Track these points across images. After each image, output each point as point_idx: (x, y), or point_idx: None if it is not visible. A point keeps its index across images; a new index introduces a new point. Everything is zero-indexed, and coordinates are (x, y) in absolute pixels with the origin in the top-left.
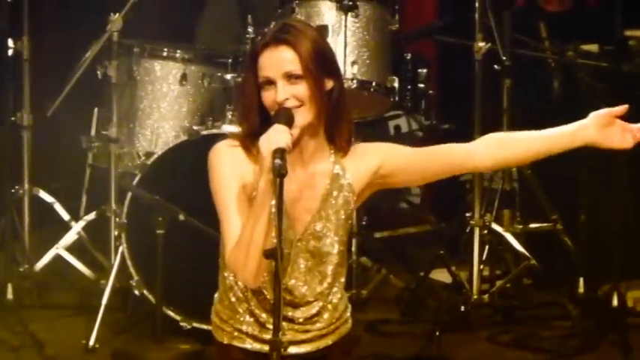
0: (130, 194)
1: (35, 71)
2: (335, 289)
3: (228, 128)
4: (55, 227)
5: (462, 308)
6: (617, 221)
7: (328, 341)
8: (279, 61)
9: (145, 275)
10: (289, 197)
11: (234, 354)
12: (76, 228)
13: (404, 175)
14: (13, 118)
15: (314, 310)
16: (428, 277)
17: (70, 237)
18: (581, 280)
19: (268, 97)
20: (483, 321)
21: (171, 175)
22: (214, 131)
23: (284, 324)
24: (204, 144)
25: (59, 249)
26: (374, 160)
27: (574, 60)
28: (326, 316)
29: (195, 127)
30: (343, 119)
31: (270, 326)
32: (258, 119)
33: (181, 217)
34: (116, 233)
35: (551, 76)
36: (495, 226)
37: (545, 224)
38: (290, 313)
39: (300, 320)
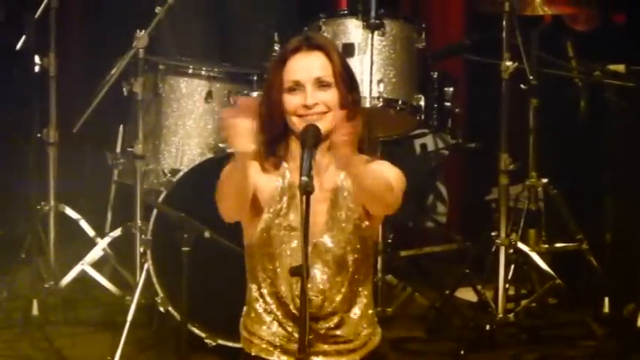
0: (155, 211)
1: (61, 87)
2: (356, 302)
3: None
4: (81, 243)
5: (488, 327)
6: None
7: (356, 357)
8: (311, 66)
9: (170, 292)
10: (301, 209)
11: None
12: (102, 244)
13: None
14: (39, 135)
15: (333, 323)
16: (453, 296)
17: (95, 253)
18: (607, 299)
19: (293, 99)
20: (509, 340)
21: (196, 193)
22: (231, 151)
23: (311, 336)
24: (230, 161)
25: (84, 265)
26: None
27: (601, 80)
28: (347, 328)
29: (220, 145)
30: (357, 134)
31: (296, 338)
32: (282, 124)
33: (207, 234)
34: (141, 250)
35: (578, 95)
36: (521, 246)
37: (571, 244)
38: (312, 325)
39: (322, 332)
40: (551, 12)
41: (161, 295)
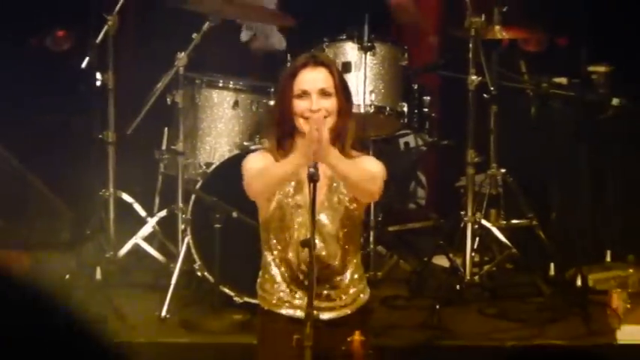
0: (193, 196)
1: (117, 98)
2: (347, 268)
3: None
4: (134, 222)
5: (457, 287)
6: (581, 218)
7: (347, 311)
8: (317, 78)
9: (206, 260)
10: (306, 193)
11: (273, 317)
12: (151, 222)
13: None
14: (100, 136)
15: (329, 284)
16: (430, 262)
17: (146, 230)
18: (552, 265)
19: (301, 104)
20: (474, 297)
21: (225, 181)
22: (260, 146)
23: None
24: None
25: (137, 239)
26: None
27: (547, 90)
28: (339, 289)
29: (245, 143)
30: (349, 134)
31: (299, 294)
32: (291, 124)
33: (234, 214)
34: (182, 227)
35: (529, 103)
36: (484, 222)
37: (524, 221)
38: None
39: (319, 292)
40: (508, 36)
41: (198, 262)
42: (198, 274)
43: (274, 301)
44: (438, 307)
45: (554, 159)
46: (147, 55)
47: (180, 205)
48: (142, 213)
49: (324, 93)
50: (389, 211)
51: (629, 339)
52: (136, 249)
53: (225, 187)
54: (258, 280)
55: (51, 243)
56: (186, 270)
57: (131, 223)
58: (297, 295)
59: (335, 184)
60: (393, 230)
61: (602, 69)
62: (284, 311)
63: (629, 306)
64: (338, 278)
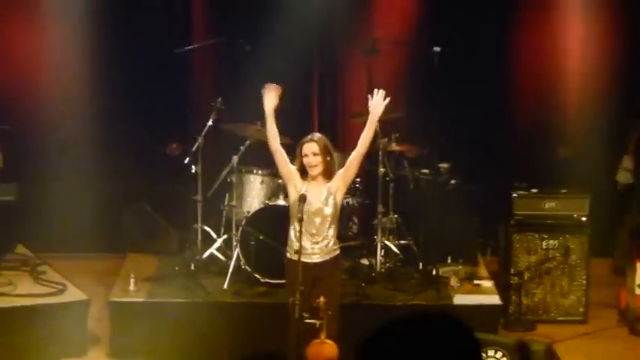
0: (240, 228)
1: (203, 178)
2: (330, 235)
3: (281, 202)
4: (211, 241)
5: (373, 275)
6: (435, 239)
7: (326, 257)
8: (311, 147)
9: (247, 260)
10: (312, 197)
11: (292, 261)
12: (219, 241)
13: (344, 177)
14: (194, 197)
15: (323, 242)
16: (359, 262)
17: (216, 244)
18: (420, 263)
19: (305, 160)
20: (382, 280)
21: (258, 220)
22: (272, 203)
23: (314, 246)
24: (271, 208)
25: (212, 250)
26: (337, 180)
27: (418, 176)
28: (325, 245)
29: (266, 201)
30: (332, 172)
31: (305, 247)
32: (303, 166)
33: (261, 237)
34: (235, 244)
35: (409, 182)
36: (386, 242)
37: (406, 241)
38: (314, 241)
39: (316, 245)
40: (399, 149)
41: (243, 261)
42: (243, 267)
43: (293, 252)
44: (363, 284)
45: (422, 208)
46: (216, 156)
47: (234, 232)
48: (214, 236)
49: (315, 154)
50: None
51: (459, 302)
52: (212, 255)
53: (258, 223)
54: (289, 242)
55: (168, 250)
56: (236, 265)
57: (209, 241)
58: (300, 249)
59: (328, 194)
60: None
61: (445, 165)
62: (294, 257)
63: (459, 285)
64: (324, 240)
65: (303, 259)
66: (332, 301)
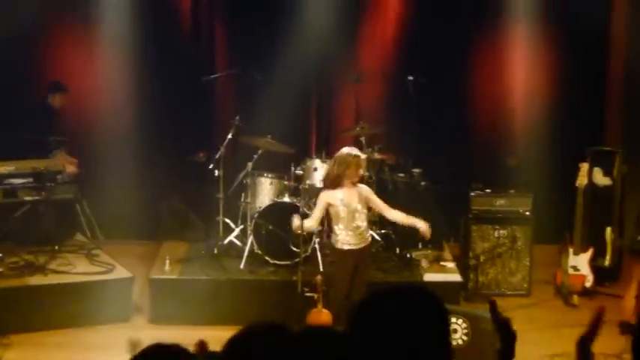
0: (254, 221)
1: (225, 180)
2: (366, 226)
3: (286, 199)
4: (229, 230)
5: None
6: (407, 229)
7: (363, 244)
8: (364, 163)
9: (259, 245)
10: (349, 200)
11: (339, 251)
12: (237, 230)
13: (372, 201)
14: (217, 195)
15: (362, 232)
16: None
17: (234, 233)
18: (398, 249)
19: (360, 171)
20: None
21: (267, 214)
22: (280, 200)
23: (358, 235)
24: (279, 204)
25: (231, 237)
26: (371, 196)
27: (396, 179)
28: (364, 234)
29: (275, 199)
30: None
31: (351, 240)
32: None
33: (270, 227)
34: (249, 232)
35: (388, 184)
36: (370, 231)
37: (385, 231)
38: (357, 232)
39: (358, 234)
40: (380, 157)
41: (256, 246)
42: (255, 251)
43: (342, 242)
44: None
45: (399, 205)
46: (235, 162)
47: (249, 223)
48: (233, 226)
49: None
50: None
51: (429, 279)
52: (231, 241)
53: (267, 217)
54: (332, 238)
55: (196, 238)
56: (250, 249)
57: (229, 230)
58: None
59: (360, 205)
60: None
61: (418, 170)
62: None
63: (428, 266)
64: (364, 229)
65: (351, 247)
66: (364, 277)
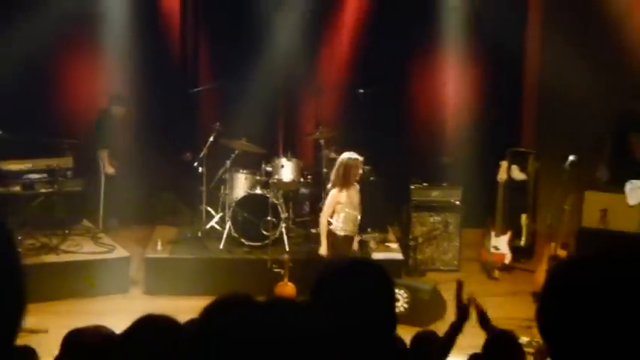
0: (231, 209)
1: (208, 176)
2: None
3: (258, 191)
4: (210, 217)
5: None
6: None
7: (352, 234)
8: (361, 165)
9: (235, 229)
10: (353, 196)
11: (341, 237)
12: (217, 217)
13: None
14: (200, 187)
15: (358, 222)
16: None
17: (215, 219)
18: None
19: (360, 172)
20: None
21: (243, 204)
22: (252, 192)
23: (356, 224)
24: (252, 195)
25: (212, 223)
26: (357, 188)
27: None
28: (357, 224)
29: (248, 191)
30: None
31: (348, 228)
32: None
33: (245, 215)
34: (227, 219)
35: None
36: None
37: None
38: (357, 223)
39: (356, 224)
40: (335, 156)
41: (233, 230)
42: (233, 234)
43: (340, 230)
44: (312, 246)
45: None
46: (216, 161)
47: (227, 211)
48: (214, 213)
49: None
50: (296, 214)
51: (376, 257)
52: (212, 226)
53: (243, 206)
54: (333, 224)
55: (183, 223)
56: (228, 233)
57: (210, 217)
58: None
59: (357, 197)
60: (298, 220)
61: (367, 167)
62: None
63: (376, 246)
64: (358, 222)
65: (347, 233)
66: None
